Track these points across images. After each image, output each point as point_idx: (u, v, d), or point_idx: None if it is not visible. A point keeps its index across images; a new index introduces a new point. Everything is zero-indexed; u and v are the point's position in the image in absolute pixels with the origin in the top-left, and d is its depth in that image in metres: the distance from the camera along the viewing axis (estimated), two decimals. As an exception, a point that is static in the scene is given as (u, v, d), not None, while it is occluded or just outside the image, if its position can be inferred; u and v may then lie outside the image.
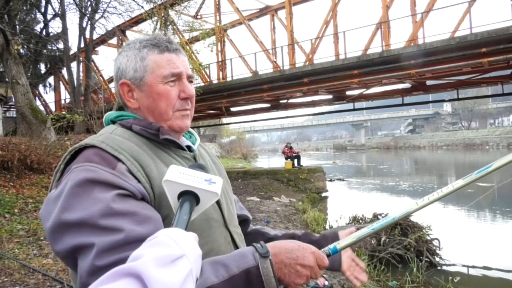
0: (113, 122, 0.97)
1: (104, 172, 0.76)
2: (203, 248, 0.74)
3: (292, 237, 1.09)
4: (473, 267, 6.09)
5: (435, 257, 6.00)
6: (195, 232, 0.70)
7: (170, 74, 0.91)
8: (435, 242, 6.20)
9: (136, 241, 0.67)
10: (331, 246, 0.91)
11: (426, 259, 5.74)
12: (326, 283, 0.87)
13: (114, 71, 0.97)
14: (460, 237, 7.93)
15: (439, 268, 5.86)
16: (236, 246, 1.00)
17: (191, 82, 0.96)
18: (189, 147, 0.99)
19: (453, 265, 6.05)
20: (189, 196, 0.70)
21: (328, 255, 0.88)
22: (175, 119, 0.93)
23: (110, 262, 0.66)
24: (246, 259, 0.75)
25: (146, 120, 0.93)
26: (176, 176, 0.70)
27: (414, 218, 6.53)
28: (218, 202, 0.98)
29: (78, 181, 0.74)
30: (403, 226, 6.17)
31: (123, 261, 0.64)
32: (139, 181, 0.80)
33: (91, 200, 0.72)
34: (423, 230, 6.25)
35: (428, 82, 13.53)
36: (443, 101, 20.75)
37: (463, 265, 6.11)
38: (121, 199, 0.74)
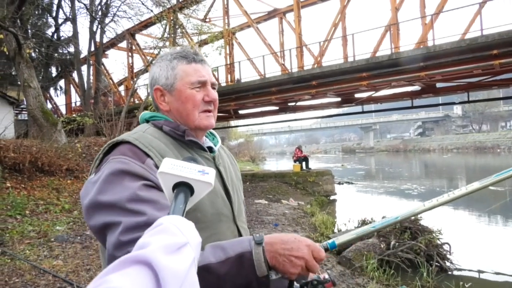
0: (146, 121, 1.12)
1: (135, 165, 0.90)
2: (211, 239, 0.91)
3: None
4: (485, 272, 5.99)
5: (446, 261, 5.92)
6: (206, 225, 0.93)
7: (197, 81, 1.07)
8: (446, 247, 6.12)
9: None
10: (329, 240, 0.95)
11: (437, 263, 5.67)
12: (327, 276, 0.90)
13: (148, 79, 1.15)
14: (472, 241, 7.82)
15: (449, 273, 5.78)
16: None
17: (214, 88, 1.11)
18: (210, 148, 1.12)
19: (464, 270, 5.96)
20: (184, 187, 0.71)
21: (326, 250, 0.93)
22: (201, 119, 1.07)
23: (132, 238, 0.77)
24: (242, 245, 0.85)
25: (175, 122, 1.08)
26: (170, 167, 0.71)
27: (424, 222, 6.45)
28: (229, 199, 1.09)
29: (113, 170, 0.89)
30: (413, 230, 6.09)
31: None
32: None
33: (121, 187, 0.86)
34: (433, 234, 6.18)
35: (438, 85, 13.37)
36: (453, 103, 20.54)
37: (475, 270, 6.01)
38: (146, 189, 0.87)
